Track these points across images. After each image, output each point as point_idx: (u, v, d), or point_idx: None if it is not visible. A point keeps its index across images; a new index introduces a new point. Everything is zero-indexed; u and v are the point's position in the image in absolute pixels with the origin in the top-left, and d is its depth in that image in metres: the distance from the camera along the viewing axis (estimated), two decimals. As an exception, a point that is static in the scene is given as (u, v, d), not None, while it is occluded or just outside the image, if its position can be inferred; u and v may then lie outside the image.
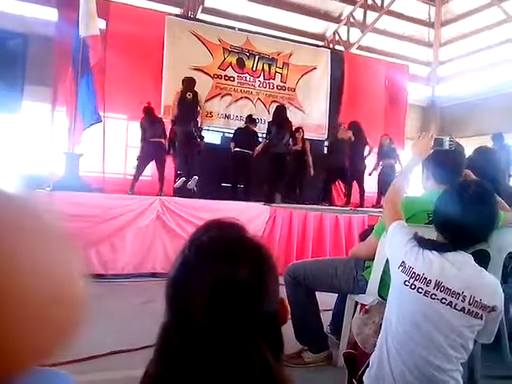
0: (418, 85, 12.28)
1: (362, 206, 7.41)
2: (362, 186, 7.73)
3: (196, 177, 6.14)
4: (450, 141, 2.10)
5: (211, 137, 8.08)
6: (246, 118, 7.51)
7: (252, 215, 5.30)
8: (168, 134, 6.61)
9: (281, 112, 7.23)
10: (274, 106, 8.60)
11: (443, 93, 12.68)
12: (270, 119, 8.08)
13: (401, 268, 1.61)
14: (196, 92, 6.53)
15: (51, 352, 0.37)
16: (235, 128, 7.61)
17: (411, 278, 1.57)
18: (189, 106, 6.39)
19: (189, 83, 6.52)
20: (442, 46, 12.39)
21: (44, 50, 6.76)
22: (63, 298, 0.38)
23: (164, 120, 6.72)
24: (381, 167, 7.96)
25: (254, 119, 7.52)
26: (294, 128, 7.36)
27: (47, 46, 6.81)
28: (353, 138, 7.55)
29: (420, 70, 12.52)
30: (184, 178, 6.15)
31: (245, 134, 7.20)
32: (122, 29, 7.29)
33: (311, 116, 9.06)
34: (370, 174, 7.99)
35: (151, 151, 6.45)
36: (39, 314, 0.35)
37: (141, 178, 6.60)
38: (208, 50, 8.27)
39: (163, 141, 6.54)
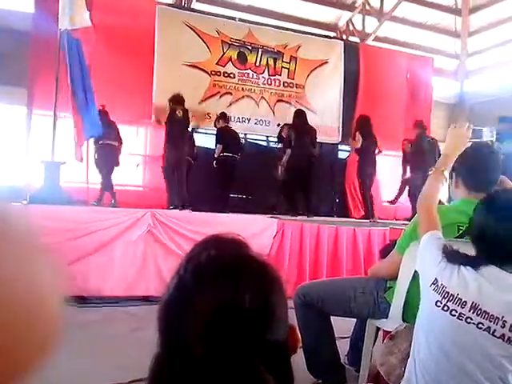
0: (444, 79, 12.30)
1: (371, 217, 7.40)
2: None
3: (189, 210, 6.13)
4: (494, 133, 2.07)
5: (208, 141, 8.10)
6: (221, 117, 7.44)
7: (257, 229, 5.30)
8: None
9: (301, 117, 7.25)
10: (280, 105, 8.68)
11: (473, 88, 12.68)
12: (277, 122, 8.15)
13: (433, 286, 1.60)
14: (186, 109, 6.64)
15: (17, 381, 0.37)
16: (237, 129, 7.65)
17: (444, 298, 1.55)
18: (179, 124, 6.48)
19: (177, 100, 6.61)
20: (470, 36, 12.42)
21: (18, 46, 6.80)
22: (38, 325, 0.38)
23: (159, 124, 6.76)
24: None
25: (228, 117, 7.55)
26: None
27: (22, 42, 6.85)
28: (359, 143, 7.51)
29: (446, 62, 12.55)
30: (177, 210, 6.11)
31: (230, 136, 7.21)
32: (107, 20, 7.33)
33: (323, 117, 9.06)
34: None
35: (107, 154, 6.57)
36: (7, 344, 0.35)
37: (129, 188, 6.63)
38: (205, 44, 8.34)
39: (116, 144, 6.72)
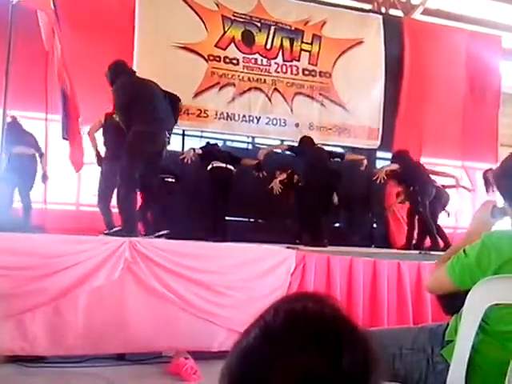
0: (516, 65, 12.30)
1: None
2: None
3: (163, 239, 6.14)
4: None
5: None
6: None
7: (269, 263, 5.28)
8: None
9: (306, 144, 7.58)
10: (300, 100, 8.68)
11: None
12: (296, 121, 8.19)
13: None
14: None
15: None
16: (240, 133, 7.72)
17: None
18: (116, 133, 6.49)
19: None
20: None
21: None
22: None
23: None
24: None
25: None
26: None
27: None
28: None
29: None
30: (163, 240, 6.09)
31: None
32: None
33: (356, 114, 9.11)
34: None
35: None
36: None
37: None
38: (201, 20, 8.40)
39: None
